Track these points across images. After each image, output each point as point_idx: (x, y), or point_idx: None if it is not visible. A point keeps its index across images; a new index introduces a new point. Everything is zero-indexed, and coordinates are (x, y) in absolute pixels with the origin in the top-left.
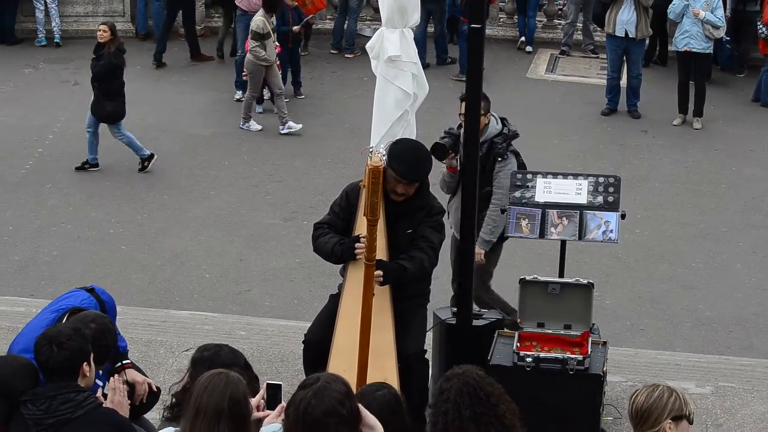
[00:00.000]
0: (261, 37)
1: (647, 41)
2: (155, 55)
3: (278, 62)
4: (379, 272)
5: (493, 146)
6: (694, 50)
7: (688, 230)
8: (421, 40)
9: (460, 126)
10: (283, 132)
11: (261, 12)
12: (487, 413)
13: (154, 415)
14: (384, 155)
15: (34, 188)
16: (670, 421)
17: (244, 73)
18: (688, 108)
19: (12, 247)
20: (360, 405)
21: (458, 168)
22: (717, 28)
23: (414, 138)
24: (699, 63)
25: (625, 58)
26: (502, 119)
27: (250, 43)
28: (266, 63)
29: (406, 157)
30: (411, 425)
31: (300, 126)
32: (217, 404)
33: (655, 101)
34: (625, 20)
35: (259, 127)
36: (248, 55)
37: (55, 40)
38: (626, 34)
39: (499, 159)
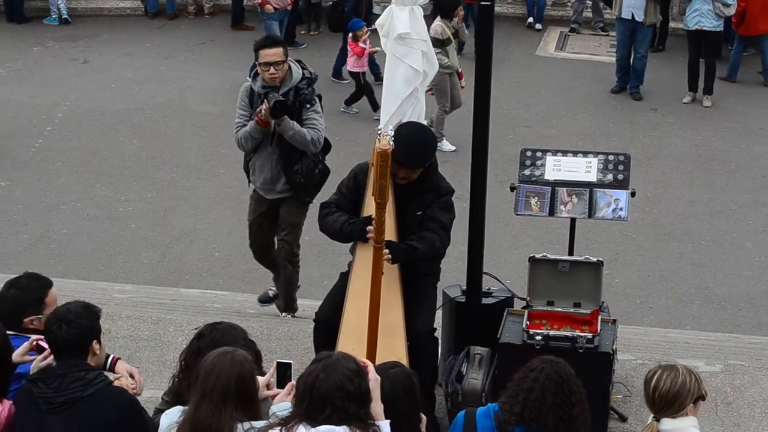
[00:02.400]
0: (441, 44)
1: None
2: None
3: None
4: (386, 251)
5: (299, 92)
6: (705, 28)
7: (698, 208)
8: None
9: (256, 76)
10: None
11: (438, 18)
12: (564, 409)
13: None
14: (392, 138)
15: (43, 166)
16: (692, 404)
17: (428, 89)
18: (698, 86)
19: (22, 225)
20: (372, 385)
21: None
22: (728, 6)
23: (423, 116)
24: (709, 41)
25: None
26: (298, 61)
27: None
28: (449, 70)
29: (407, 142)
30: (419, 408)
31: (453, 148)
32: (223, 385)
33: (665, 79)
34: (632, 3)
35: (453, 147)
36: None
37: (63, 16)
38: (632, 16)
39: (308, 105)
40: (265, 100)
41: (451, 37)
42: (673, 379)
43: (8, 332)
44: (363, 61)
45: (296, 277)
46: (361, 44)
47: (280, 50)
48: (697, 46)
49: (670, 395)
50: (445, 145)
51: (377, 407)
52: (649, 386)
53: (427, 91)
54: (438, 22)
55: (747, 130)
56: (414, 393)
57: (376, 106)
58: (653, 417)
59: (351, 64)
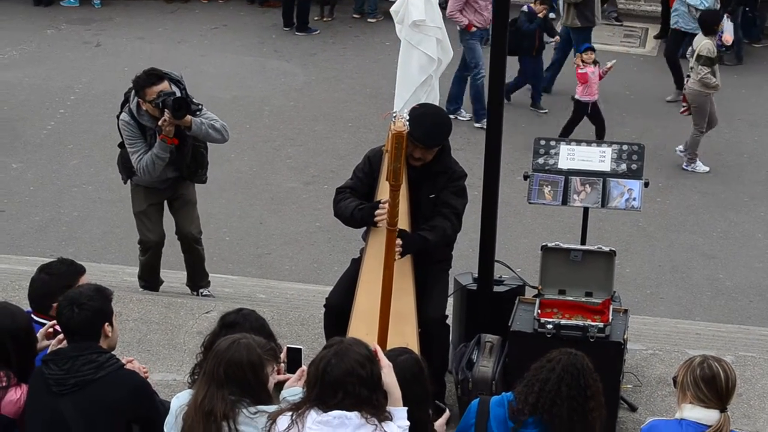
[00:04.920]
0: (711, 62)
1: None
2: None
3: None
4: (399, 242)
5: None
6: (682, 29)
7: (710, 199)
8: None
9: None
10: (686, 168)
11: (702, 35)
12: (578, 401)
13: (174, 377)
14: (407, 120)
15: (55, 149)
16: None
17: (683, 108)
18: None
19: (33, 207)
20: (386, 371)
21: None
22: (699, 11)
23: (437, 103)
24: (691, 42)
25: None
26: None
27: (701, 70)
28: (715, 90)
29: (424, 121)
30: (429, 394)
31: (707, 169)
32: (214, 368)
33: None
34: None
35: (706, 169)
36: (690, 84)
37: None
38: None
39: (198, 112)
40: (165, 110)
41: (719, 56)
42: (730, 369)
43: (37, 317)
44: (592, 88)
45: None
46: (583, 69)
47: (166, 83)
48: (676, 42)
49: (733, 383)
50: (699, 167)
51: (396, 393)
52: (718, 379)
53: (682, 111)
54: (707, 40)
55: (759, 122)
56: (423, 379)
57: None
58: (721, 410)
59: (579, 93)
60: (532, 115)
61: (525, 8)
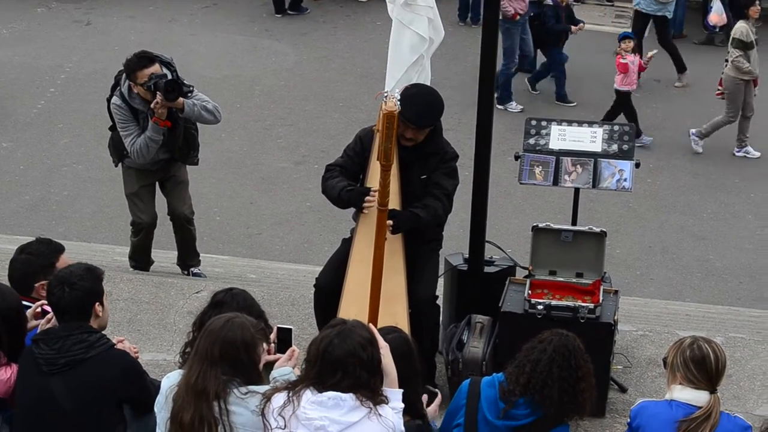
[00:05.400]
0: (745, 47)
1: None
2: None
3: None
4: (390, 221)
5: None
6: (643, 11)
7: (700, 180)
8: None
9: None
10: (737, 154)
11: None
12: (569, 382)
13: (164, 356)
14: (398, 100)
15: (45, 128)
16: None
17: (718, 91)
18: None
19: (23, 186)
20: (384, 352)
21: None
22: None
23: (428, 83)
24: (657, 25)
25: None
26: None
27: (733, 53)
28: (749, 76)
29: (416, 102)
30: (420, 370)
31: (758, 155)
32: (208, 347)
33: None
34: None
35: (758, 155)
36: (726, 69)
37: None
38: None
39: (189, 94)
40: (157, 92)
41: (754, 42)
42: (720, 350)
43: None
44: (632, 78)
45: None
46: (623, 60)
47: (157, 66)
48: (640, 24)
49: (723, 365)
50: (751, 152)
51: (392, 374)
52: (708, 360)
53: (717, 94)
54: (742, 23)
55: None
56: (412, 358)
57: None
58: (711, 391)
59: (618, 82)
60: (526, 96)
61: (549, 1)
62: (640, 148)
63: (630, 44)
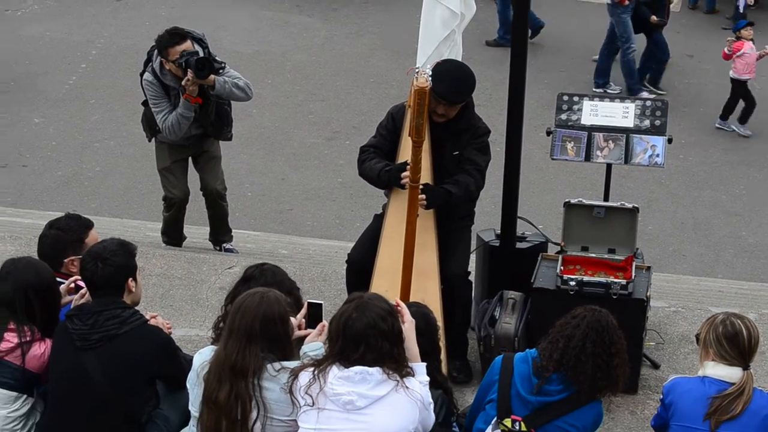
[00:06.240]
0: None
1: None
2: None
3: None
4: (422, 196)
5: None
6: None
7: (732, 156)
8: None
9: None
10: None
11: None
12: (603, 358)
13: (197, 332)
14: (430, 76)
15: (77, 104)
16: None
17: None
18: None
19: (55, 162)
20: (407, 327)
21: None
22: None
23: (460, 59)
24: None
25: None
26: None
27: None
28: None
29: (447, 77)
30: (438, 347)
31: None
32: (248, 324)
33: (702, 27)
34: None
35: None
36: None
37: None
38: None
39: (221, 71)
40: (188, 70)
41: None
42: (753, 325)
43: None
44: (751, 66)
45: None
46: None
47: (189, 43)
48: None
49: (756, 340)
50: None
51: (414, 349)
52: (741, 337)
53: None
54: None
55: None
56: (431, 333)
57: (745, 119)
58: (744, 368)
59: (738, 71)
60: (555, 71)
61: None
62: (676, 126)
63: (750, 32)
